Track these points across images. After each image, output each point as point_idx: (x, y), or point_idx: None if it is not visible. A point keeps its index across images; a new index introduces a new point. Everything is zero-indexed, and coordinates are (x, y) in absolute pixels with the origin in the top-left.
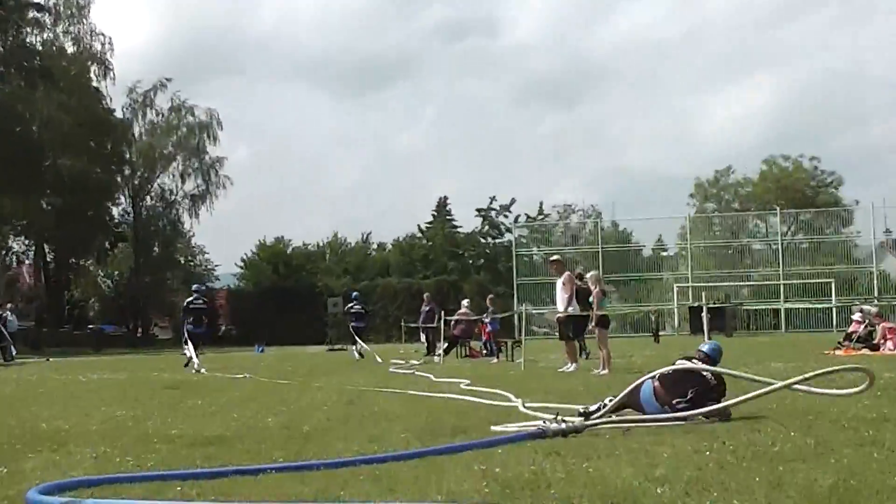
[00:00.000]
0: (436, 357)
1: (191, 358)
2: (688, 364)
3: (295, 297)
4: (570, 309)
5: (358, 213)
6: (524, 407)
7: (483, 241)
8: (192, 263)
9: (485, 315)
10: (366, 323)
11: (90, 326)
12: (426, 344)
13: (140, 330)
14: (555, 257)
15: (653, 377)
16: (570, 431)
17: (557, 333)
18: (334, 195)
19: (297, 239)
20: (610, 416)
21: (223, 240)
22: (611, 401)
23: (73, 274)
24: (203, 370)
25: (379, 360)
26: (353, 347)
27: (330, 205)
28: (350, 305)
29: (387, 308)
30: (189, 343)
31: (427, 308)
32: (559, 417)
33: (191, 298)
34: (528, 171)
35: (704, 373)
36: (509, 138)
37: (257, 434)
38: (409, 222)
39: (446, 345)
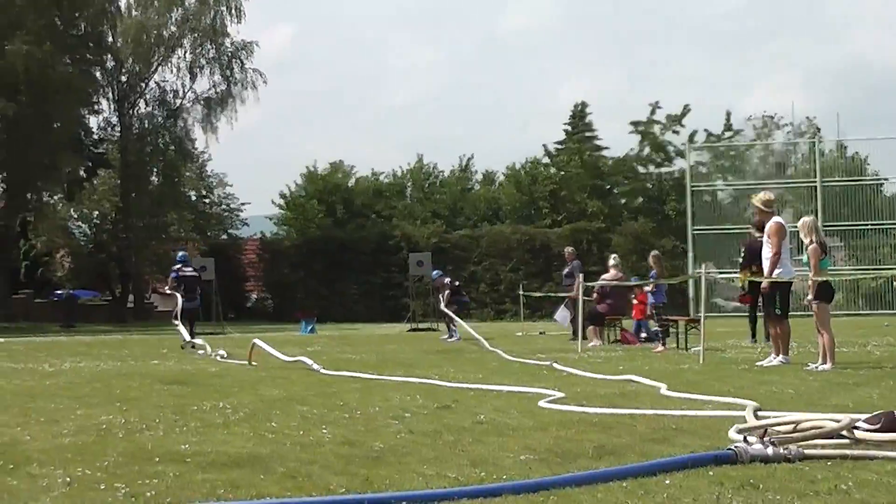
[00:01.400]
0: (571, 340)
1: (187, 339)
2: None
3: (359, 253)
4: (777, 272)
5: (451, 127)
6: (754, 416)
7: (642, 170)
8: (206, 201)
9: (641, 281)
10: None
11: (57, 292)
12: (572, 319)
13: (131, 298)
14: (764, 196)
15: None
16: (780, 459)
17: (755, 309)
18: (415, 100)
19: (363, 166)
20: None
21: (253, 166)
22: (880, 419)
23: (32, 215)
24: (206, 351)
25: (488, 346)
26: (449, 330)
27: (409, 115)
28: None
29: (496, 269)
30: (179, 323)
31: (568, 269)
32: (767, 436)
33: (178, 266)
34: (708, 64)
35: None
36: (677, 15)
37: (305, 452)
38: (529, 142)
39: (588, 325)
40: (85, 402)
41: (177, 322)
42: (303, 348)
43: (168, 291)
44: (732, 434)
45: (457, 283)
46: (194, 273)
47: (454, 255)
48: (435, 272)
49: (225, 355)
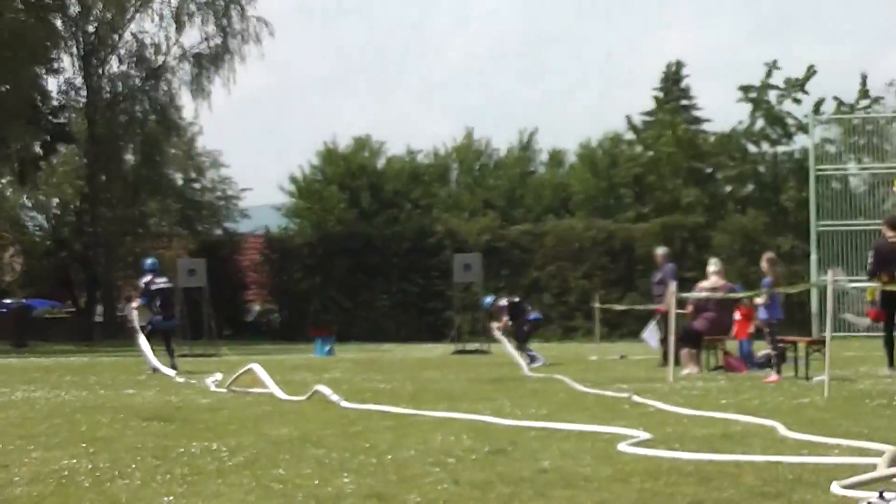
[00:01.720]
0: (660, 367)
1: (154, 364)
2: None
3: (391, 253)
4: None
5: (509, 94)
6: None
7: (753, 149)
8: (196, 186)
9: (749, 292)
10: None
11: (6, 302)
12: (662, 339)
13: (100, 310)
14: None
15: None
16: None
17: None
18: (466, 57)
19: (396, 142)
20: None
21: (256, 142)
22: None
23: None
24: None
25: (528, 371)
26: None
27: (457, 76)
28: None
29: (564, 275)
30: (143, 339)
31: (660, 275)
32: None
33: (149, 278)
34: (843, 10)
35: None
36: None
37: None
38: (608, 113)
39: (682, 346)
40: (42, 442)
41: (141, 342)
42: (318, 375)
43: (134, 306)
44: (836, 489)
45: (516, 300)
46: (168, 284)
47: (511, 258)
48: (487, 299)
49: (218, 379)
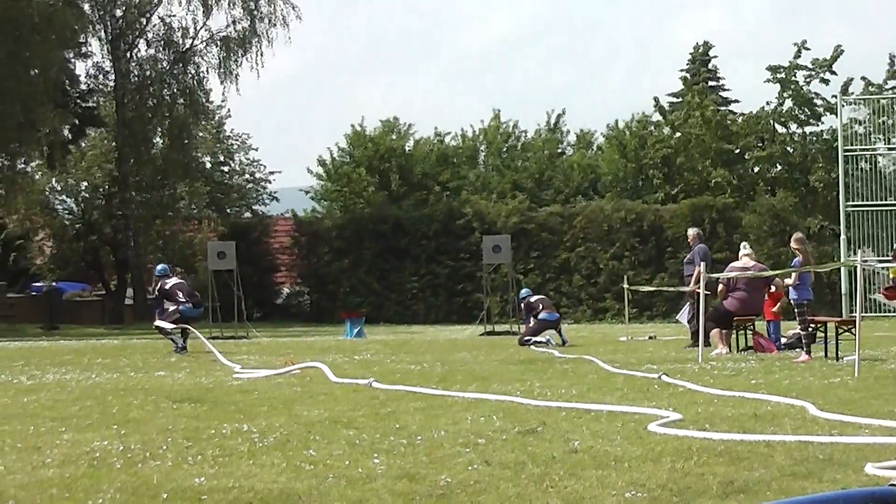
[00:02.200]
0: (690, 347)
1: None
2: None
3: (420, 236)
4: None
5: (537, 75)
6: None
7: (781, 129)
8: (225, 169)
9: (778, 270)
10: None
11: (36, 285)
12: (689, 321)
13: (130, 293)
14: None
15: None
16: None
17: None
18: (493, 39)
19: (424, 125)
20: None
21: (284, 125)
22: None
23: (3, 187)
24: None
25: (555, 352)
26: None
27: (485, 58)
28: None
29: (593, 257)
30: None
31: (689, 256)
32: None
33: (159, 284)
34: None
35: None
36: None
37: (353, 489)
38: (635, 94)
39: (712, 327)
40: (74, 424)
41: (171, 327)
42: (348, 356)
43: (163, 324)
44: (870, 469)
45: (532, 300)
46: (181, 280)
47: (540, 239)
48: (524, 291)
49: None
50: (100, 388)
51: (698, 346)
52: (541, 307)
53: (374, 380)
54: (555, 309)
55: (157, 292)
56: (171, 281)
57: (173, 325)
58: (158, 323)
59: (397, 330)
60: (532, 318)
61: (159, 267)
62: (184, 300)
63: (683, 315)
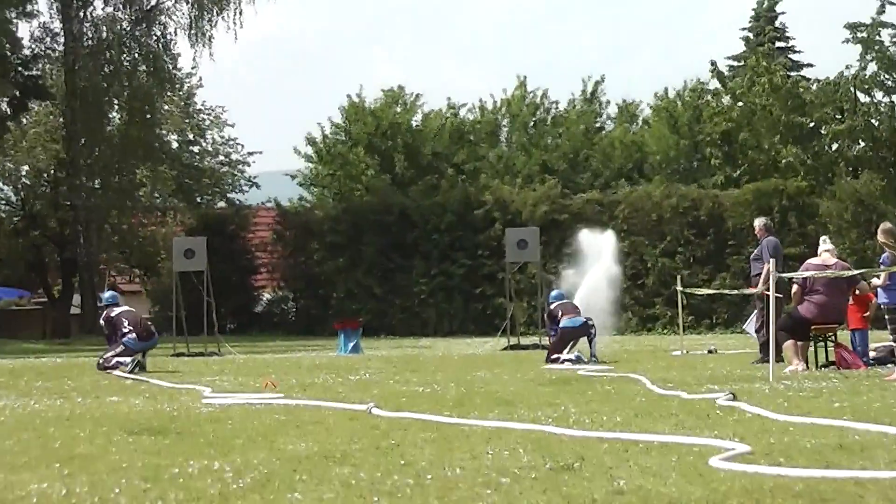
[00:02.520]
0: (758, 362)
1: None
2: None
3: (430, 229)
4: None
5: (571, 35)
6: None
7: (864, 99)
8: (195, 150)
9: (863, 269)
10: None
11: None
12: (757, 330)
13: (78, 300)
14: None
15: None
16: None
17: None
18: None
19: (435, 95)
20: None
21: (266, 96)
22: None
23: None
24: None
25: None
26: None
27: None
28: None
29: (640, 253)
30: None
31: (756, 252)
32: None
33: (110, 304)
34: None
35: None
36: None
37: None
38: (688, 57)
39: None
40: (6, 462)
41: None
42: (342, 377)
43: (110, 355)
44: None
45: (552, 305)
46: (130, 308)
47: (574, 232)
48: (554, 293)
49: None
50: (39, 417)
51: (769, 360)
52: (560, 314)
53: (374, 405)
54: (578, 312)
55: (103, 322)
56: (119, 309)
57: (120, 360)
58: (104, 360)
59: (402, 343)
60: (556, 329)
61: (106, 294)
62: (128, 329)
63: (751, 324)
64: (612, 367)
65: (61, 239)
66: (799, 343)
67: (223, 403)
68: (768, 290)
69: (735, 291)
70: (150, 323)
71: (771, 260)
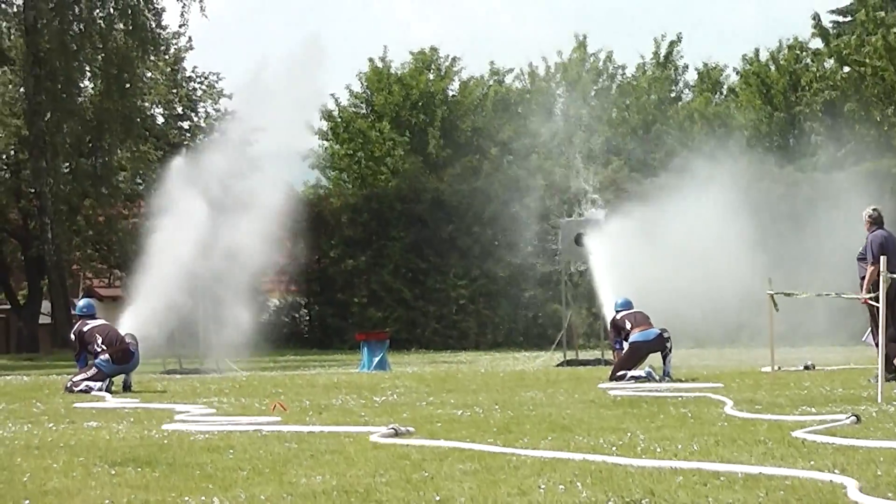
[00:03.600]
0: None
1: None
2: None
3: (469, 220)
4: None
5: None
6: None
7: None
8: (185, 126)
9: None
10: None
11: None
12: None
13: (48, 307)
14: None
15: None
16: None
17: None
18: None
19: (475, 59)
20: None
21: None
22: None
23: None
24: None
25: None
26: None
27: None
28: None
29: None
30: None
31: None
32: None
33: (83, 315)
34: None
35: None
36: None
37: None
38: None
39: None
40: None
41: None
42: (364, 398)
43: (80, 378)
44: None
45: (618, 315)
46: (105, 322)
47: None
48: (620, 301)
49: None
50: (5, 445)
51: (879, 378)
52: (628, 325)
53: (406, 428)
54: (650, 324)
55: (73, 336)
56: (93, 323)
57: (90, 384)
58: (72, 383)
59: (437, 358)
60: (624, 343)
61: (81, 303)
62: (101, 348)
63: (870, 335)
64: (690, 385)
65: (25, 234)
66: None
67: (193, 430)
68: (870, 294)
69: (844, 295)
70: (130, 341)
71: (883, 259)
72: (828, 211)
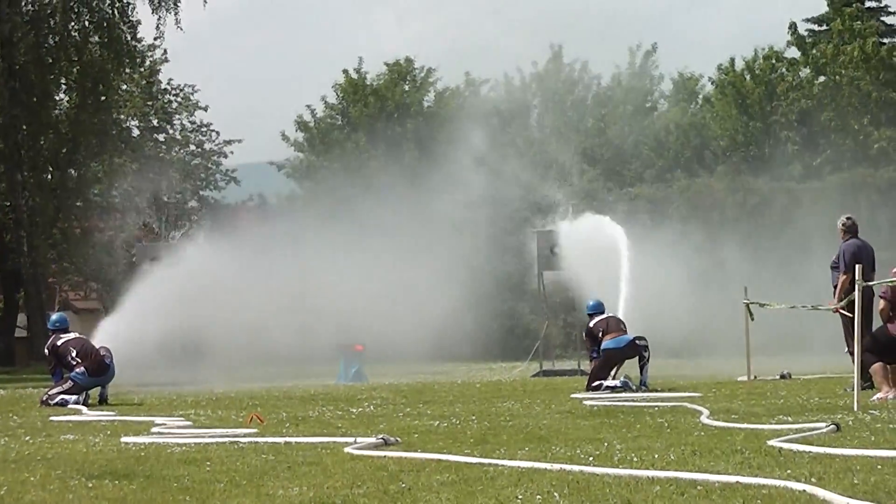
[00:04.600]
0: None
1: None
2: None
3: (445, 231)
4: None
5: None
6: None
7: None
8: (161, 138)
9: None
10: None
11: None
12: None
13: (24, 320)
14: None
15: None
16: None
17: None
18: None
19: (450, 68)
20: None
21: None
22: None
23: None
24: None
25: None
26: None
27: None
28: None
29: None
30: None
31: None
32: None
33: (57, 329)
34: None
35: None
36: None
37: None
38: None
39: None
40: None
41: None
42: (342, 409)
43: (55, 391)
44: None
45: (591, 322)
46: (80, 335)
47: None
48: (591, 303)
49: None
50: None
51: (855, 387)
52: (601, 332)
53: (386, 437)
54: (624, 329)
55: (47, 350)
56: (66, 337)
57: (66, 397)
58: (47, 396)
59: (414, 369)
60: (598, 350)
61: (53, 317)
62: (76, 361)
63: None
64: (666, 394)
65: (1, 247)
66: (889, 366)
67: (199, 442)
68: (843, 304)
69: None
70: (105, 353)
71: (858, 267)
72: (804, 219)
